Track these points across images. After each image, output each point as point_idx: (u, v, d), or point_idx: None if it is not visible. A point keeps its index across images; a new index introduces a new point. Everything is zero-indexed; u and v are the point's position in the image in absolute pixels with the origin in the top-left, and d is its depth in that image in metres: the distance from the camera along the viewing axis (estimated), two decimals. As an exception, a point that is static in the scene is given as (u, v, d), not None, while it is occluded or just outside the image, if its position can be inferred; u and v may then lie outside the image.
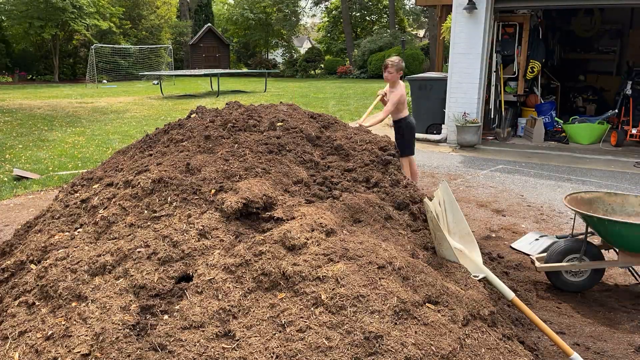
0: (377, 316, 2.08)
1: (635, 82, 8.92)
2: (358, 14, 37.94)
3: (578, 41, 11.86)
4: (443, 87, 9.21)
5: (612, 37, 11.73)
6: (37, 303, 2.42)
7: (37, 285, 2.49)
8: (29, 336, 2.20)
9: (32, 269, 2.64)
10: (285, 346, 1.99)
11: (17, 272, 2.73)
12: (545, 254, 3.73)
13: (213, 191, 2.76)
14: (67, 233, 2.84)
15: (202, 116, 3.68)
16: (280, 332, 2.07)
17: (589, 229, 3.53)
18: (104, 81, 25.32)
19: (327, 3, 40.07)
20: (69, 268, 2.48)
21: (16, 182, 6.28)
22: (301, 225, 2.51)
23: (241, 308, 2.19)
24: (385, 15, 37.60)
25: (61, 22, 24.93)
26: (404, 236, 2.88)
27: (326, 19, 40.33)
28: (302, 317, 2.10)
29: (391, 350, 1.97)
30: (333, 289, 2.17)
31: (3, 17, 25.28)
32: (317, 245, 2.41)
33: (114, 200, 2.88)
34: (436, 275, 2.46)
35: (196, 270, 2.37)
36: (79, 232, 2.82)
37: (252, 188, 2.74)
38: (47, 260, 2.59)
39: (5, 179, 6.42)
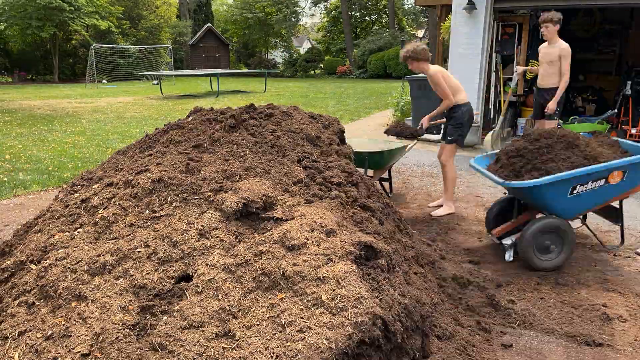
0: (377, 316, 2.08)
1: (635, 82, 8.91)
2: (357, 14, 37.96)
3: (578, 41, 11.83)
4: (443, 87, 9.20)
5: (612, 37, 11.72)
6: (37, 303, 2.42)
7: (37, 285, 2.49)
8: (28, 336, 2.20)
9: (31, 269, 2.64)
10: (285, 346, 1.99)
11: (16, 272, 2.73)
12: None
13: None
14: (67, 233, 2.84)
15: (201, 116, 3.68)
16: (280, 332, 2.07)
17: None
18: (104, 81, 25.31)
19: (326, 3, 40.06)
20: (68, 268, 2.48)
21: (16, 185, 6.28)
22: (301, 225, 2.51)
23: (241, 308, 2.19)
24: (384, 15, 37.62)
25: (59, 22, 24.91)
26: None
27: (325, 19, 40.35)
28: (302, 318, 2.10)
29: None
30: (334, 290, 2.17)
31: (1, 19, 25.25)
32: (317, 245, 2.41)
33: (113, 200, 2.88)
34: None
35: (196, 270, 2.37)
36: (78, 232, 2.82)
37: (252, 188, 2.74)
38: (47, 260, 2.59)
39: (5, 179, 6.42)
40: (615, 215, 3.99)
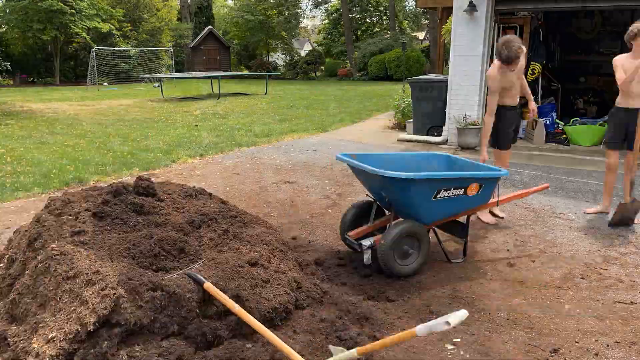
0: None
1: (636, 84, 8.88)
2: (358, 16, 38.00)
3: (579, 43, 11.85)
4: (444, 89, 9.20)
5: (613, 39, 11.71)
6: (35, 308, 2.42)
7: (35, 286, 2.48)
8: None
9: (28, 271, 2.64)
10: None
11: (13, 273, 2.72)
12: None
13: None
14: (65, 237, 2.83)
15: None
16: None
17: None
18: (105, 84, 25.34)
19: (327, 5, 40.13)
20: (66, 269, 2.47)
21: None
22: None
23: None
24: (385, 17, 37.66)
25: (61, 25, 24.95)
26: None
27: (326, 21, 40.42)
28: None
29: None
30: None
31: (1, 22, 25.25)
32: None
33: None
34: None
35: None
36: (76, 234, 2.81)
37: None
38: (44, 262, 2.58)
39: (7, 181, 6.42)
40: (461, 230, 4.05)
